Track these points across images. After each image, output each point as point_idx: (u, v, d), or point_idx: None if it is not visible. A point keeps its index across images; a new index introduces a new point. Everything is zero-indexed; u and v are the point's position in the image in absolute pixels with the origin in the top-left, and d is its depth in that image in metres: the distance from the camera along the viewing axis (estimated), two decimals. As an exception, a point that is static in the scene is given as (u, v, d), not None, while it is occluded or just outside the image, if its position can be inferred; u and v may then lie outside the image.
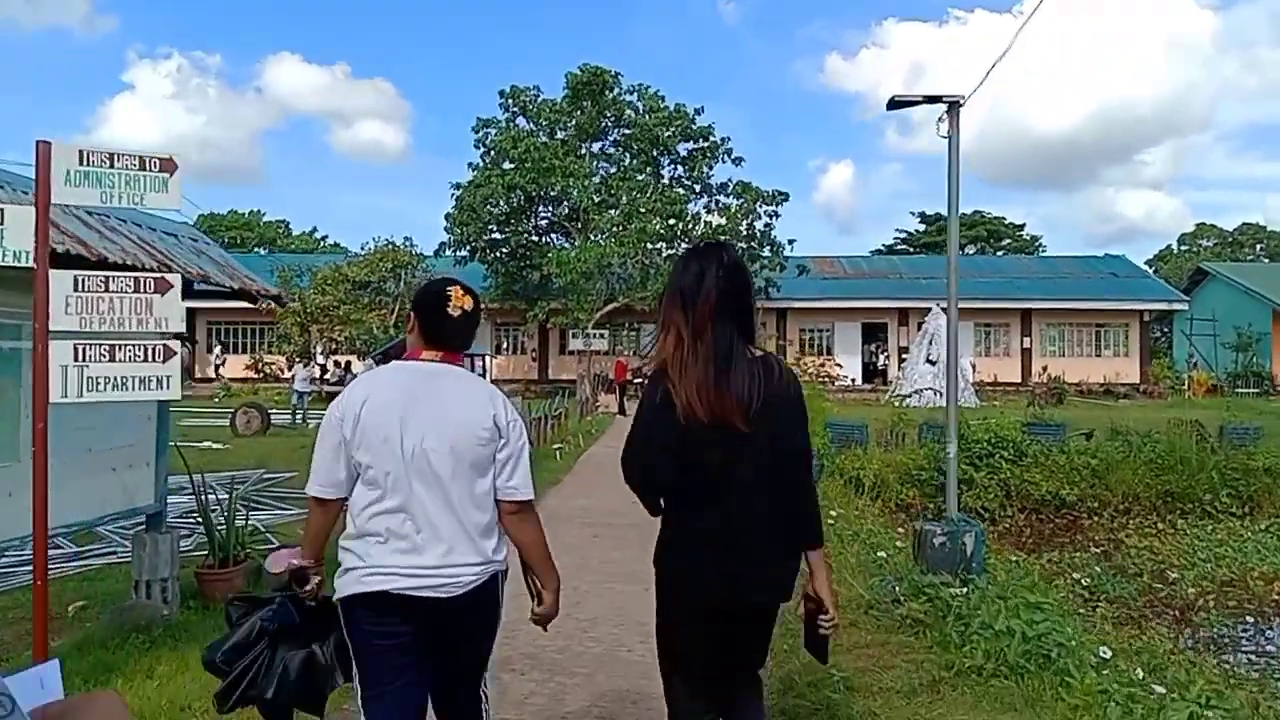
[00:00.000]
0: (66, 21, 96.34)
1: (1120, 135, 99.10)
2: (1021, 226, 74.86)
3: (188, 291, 5.69)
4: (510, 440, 2.69)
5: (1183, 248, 78.01)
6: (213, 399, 32.90)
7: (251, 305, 7.39)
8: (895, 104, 5.70)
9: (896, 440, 14.07)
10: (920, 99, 5.95)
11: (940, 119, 6.23)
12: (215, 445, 18.77)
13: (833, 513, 9.76)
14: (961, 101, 6.30)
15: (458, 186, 33.37)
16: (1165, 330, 45.26)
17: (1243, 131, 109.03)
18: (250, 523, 7.97)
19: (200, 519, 6.95)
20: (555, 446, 15.83)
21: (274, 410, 26.43)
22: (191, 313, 37.78)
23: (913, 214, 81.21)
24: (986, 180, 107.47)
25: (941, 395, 32.02)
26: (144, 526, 6.13)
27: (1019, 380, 37.21)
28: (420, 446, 2.57)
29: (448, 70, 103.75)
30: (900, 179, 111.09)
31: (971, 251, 63.22)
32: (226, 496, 7.33)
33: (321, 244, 56.60)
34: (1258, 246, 73.79)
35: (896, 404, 31.48)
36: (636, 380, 28.66)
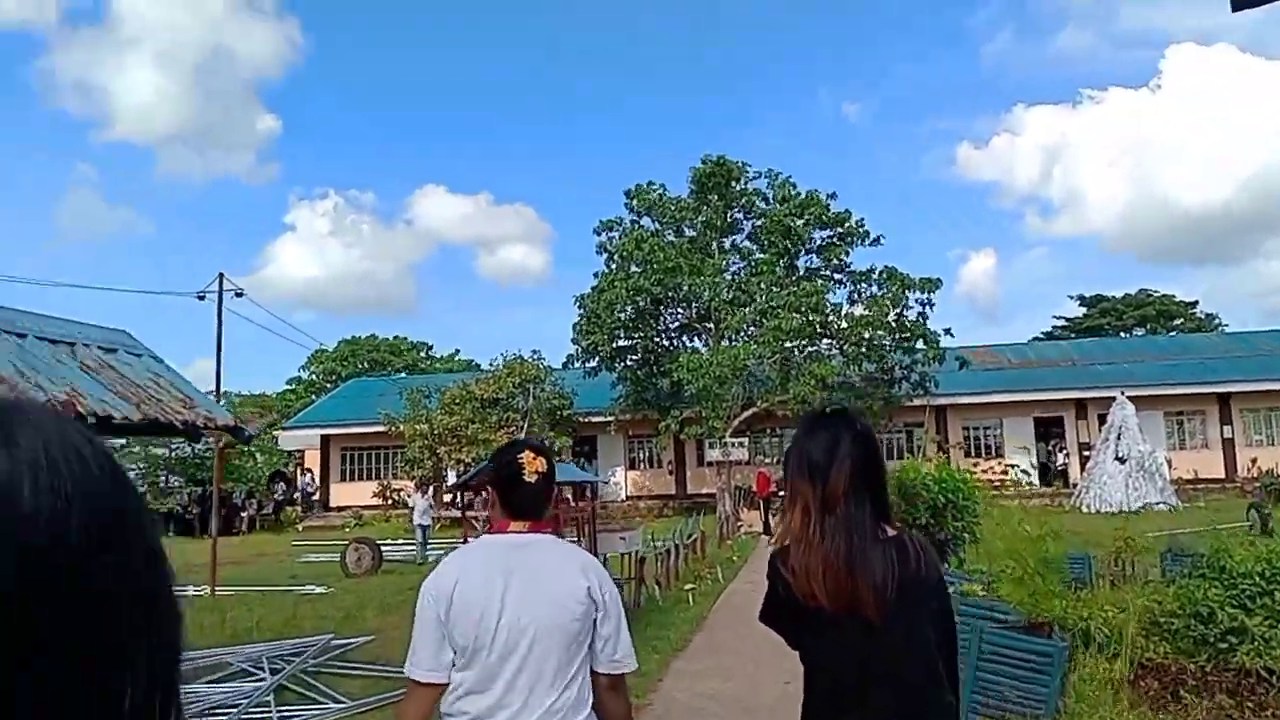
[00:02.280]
0: (233, 171, 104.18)
1: (1277, 202, 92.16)
2: (1194, 304, 68.76)
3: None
4: (610, 611, 2.64)
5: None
6: (344, 529, 31.95)
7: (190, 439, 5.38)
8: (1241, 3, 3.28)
9: (1123, 571, 10.96)
10: None
11: None
12: (317, 589, 17.14)
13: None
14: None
15: (582, 296, 31.94)
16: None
17: None
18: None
19: None
20: (688, 587, 13.29)
21: (395, 542, 25.00)
22: (325, 440, 37.43)
23: (1071, 297, 76.17)
24: (1141, 259, 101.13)
25: (1136, 498, 28.13)
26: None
27: (1222, 475, 32.53)
28: (516, 624, 2.51)
29: (583, 188, 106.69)
30: (1045, 264, 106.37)
31: (1140, 334, 57.94)
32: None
33: (463, 367, 56.54)
34: None
35: (1084, 511, 27.76)
36: (781, 493, 25.83)
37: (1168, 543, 12.04)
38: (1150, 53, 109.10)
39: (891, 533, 2.47)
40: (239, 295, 15.29)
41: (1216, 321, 63.63)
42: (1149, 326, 61.39)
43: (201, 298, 16.06)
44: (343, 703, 7.59)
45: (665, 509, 32.72)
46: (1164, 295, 67.79)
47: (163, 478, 33.00)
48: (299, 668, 8.41)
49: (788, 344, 29.53)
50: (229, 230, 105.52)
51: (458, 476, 31.99)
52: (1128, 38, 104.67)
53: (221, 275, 15.63)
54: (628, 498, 35.23)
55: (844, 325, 29.91)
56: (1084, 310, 68.12)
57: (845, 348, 30.10)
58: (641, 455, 36.54)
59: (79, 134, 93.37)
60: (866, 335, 29.49)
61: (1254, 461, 31.83)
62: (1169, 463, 30.04)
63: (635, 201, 32.79)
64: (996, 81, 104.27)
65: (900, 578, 2.36)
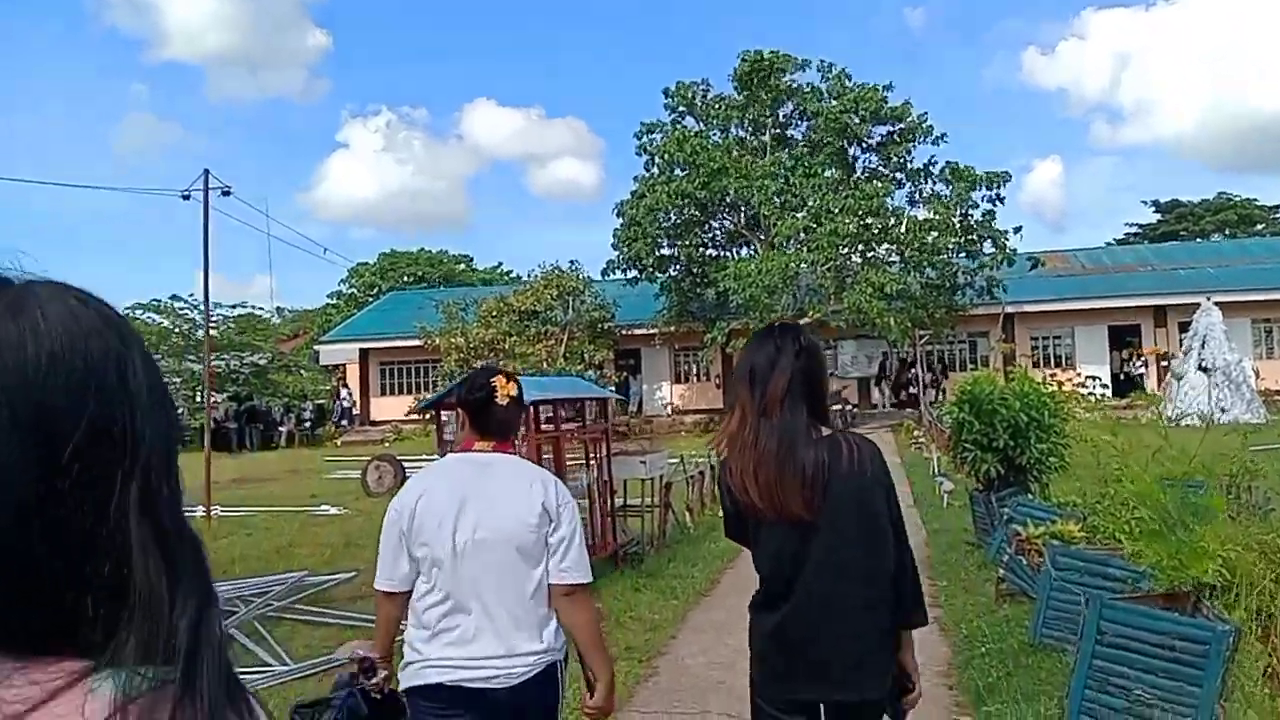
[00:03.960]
0: (285, 89, 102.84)
1: None
2: (1277, 209, 64.47)
3: None
4: (561, 523, 2.73)
5: None
6: (383, 444, 31.11)
7: None
8: None
9: (1238, 499, 9.19)
10: None
11: None
12: (332, 510, 16.07)
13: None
14: None
15: (622, 202, 30.03)
16: None
17: None
18: None
19: None
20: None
21: (429, 458, 23.91)
22: (364, 353, 36.48)
23: (1144, 203, 72.30)
24: (1214, 167, 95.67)
25: (1223, 412, 25.98)
26: None
27: (1316, 386, 30.05)
28: (473, 538, 2.63)
29: (636, 101, 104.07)
30: (1114, 173, 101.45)
31: (1219, 240, 54.35)
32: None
33: (504, 279, 55.16)
34: None
35: (1164, 425, 25.68)
36: (835, 407, 24.21)
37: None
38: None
39: (827, 434, 2.55)
40: (226, 194, 14.10)
41: (1304, 226, 59.54)
42: (1229, 232, 57.63)
43: (186, 197, 14.74)
44: (285, 665, 6.23)
45: (712, 423, 31.20)
46: (1245, 199, 63.73)
47: (198, 393, 32.39)
48: (251, 614, 7.09)
49: (843, 250, 27.48)
50: (282, 149, 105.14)
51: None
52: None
53: (207, 171, 14.29)
54: (673, 412, 33.80)
55: (904, 229, 27.66)
56: (1159, 216, 64.53)
57: (906, 253, 27.89)
58: (688, 368, 34.96)
59: (131, 52, 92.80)
60: (929, 239, 27.23)
61: (1351, 372, 29.32)
62: (1256, 373, 27.70)
63: (676, 100, 30.55)
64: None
65: (832, 474, 2.46)
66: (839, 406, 26.52)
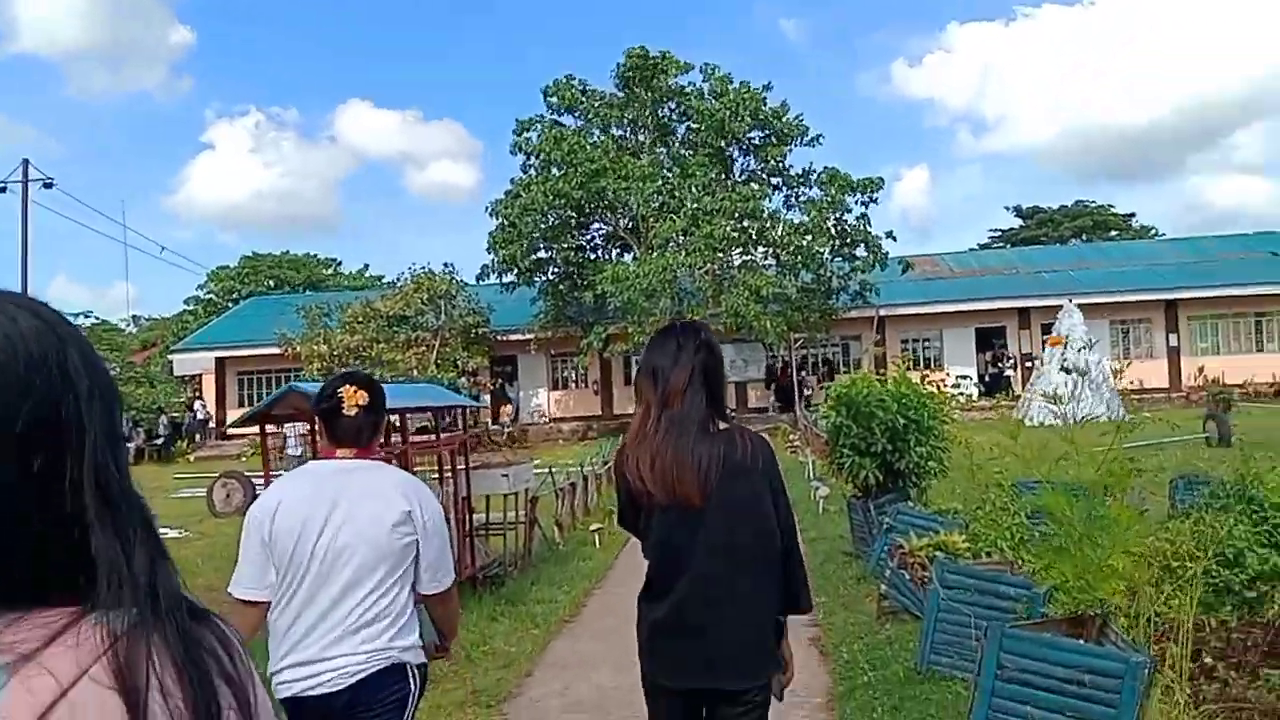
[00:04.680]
0: (146, 85, 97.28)
1: (1207, 120, 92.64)
2: (1131, 215, 68.03)
3: None
4: (430, 534, 2.73)
5: (1314, 226, 69.90)
6: (239, 459, 29.26)
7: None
8: None
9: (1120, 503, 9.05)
10: None
11: None
12: (172, 533, 14.72)
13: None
14: None
15: (497, 203, 29.09)
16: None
17: None
18: None
19: None
20: (594, 527, 11.06)
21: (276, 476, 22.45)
22: (221, 363, 34.44)
23: (1007, 209, 75.34)
24: (1072, 176, 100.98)
25: (1083, 410, 26.74)
26: None
27: (1167, 385, 31.40)
28: (333, 545, 2.60)
29: (515, 105, 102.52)
30: (978, 181, 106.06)
31: (1078, 244, 56.86)
32: None
33: (374, 284, 53.26)
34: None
35: (1028, 424, 26.31)
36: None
37: (1175, 462, 10.15)
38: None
39: (724, 427, 2.67)
40: (48, 186, 12.82)
41: (1154, 233, 62.86)
42: (1086, 238, 60.40)
43: (3, 189, 13.21)
44: None
45: (590, 431, 30.58)
46: (1101, 206, 67.09)
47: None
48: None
49: (720, 253, 27.25)
50: (143, 150, 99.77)
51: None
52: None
53: (26, 161, 12.89)
54: (551, 420, 32.98)
55: (781, 233, 27.61)
56: (1020, 222, 67.27)
57: (782, 256, 27.84)
58: (566, 374, 34.22)
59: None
60: (804, 243, 27.22)
61: (1200, 370, 30.72)
62: (1115, 373, 28.70)
63: (556, 99, 29.81)
64: None
65: (725, 464, 2.55)
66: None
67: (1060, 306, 27.59)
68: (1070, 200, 66.87)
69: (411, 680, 2.67)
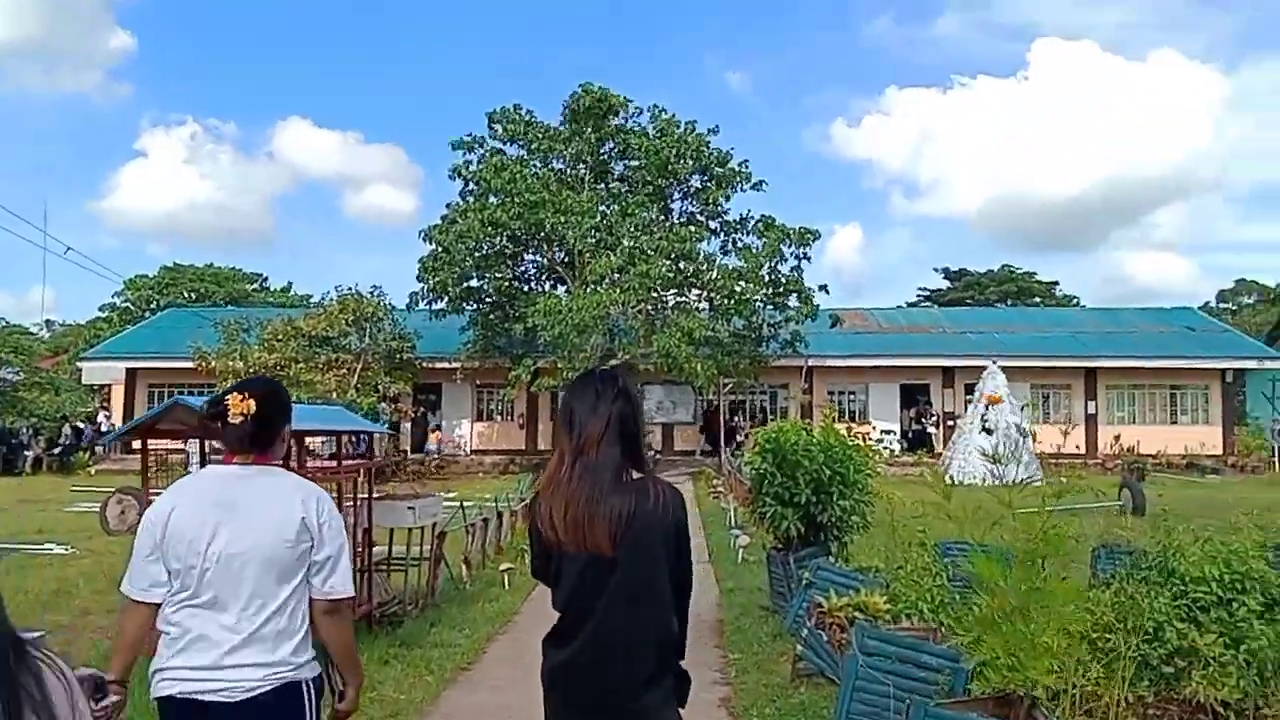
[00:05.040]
0: (81, 88, 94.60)
1: (1129, 197, 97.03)
2: (1054, 284, 70.26)
3: None
4: (325, 540, 2.71)
5: (1223, 305, 72.95)
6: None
7: None
8: None
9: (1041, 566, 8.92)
10: None
11: None
12: (58, 549, 13.84)
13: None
14: None
15: (431, 228, 28.55)
16: (1241, 392, 39.98)
17: (1253, 193, 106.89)
18: None
19: None
20: (504, 567, 10.58)
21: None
22: (132, 374, 33.09)
23: (936, 270, 77.03)
24: (1000, 244, 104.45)
25: (1001, 471, 27.02)
26: None
27: (1084, 451, 32.02)
28: (225, 550, 2.60)
29: (457, 132, 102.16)
30: (909, 243, 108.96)
31: (1003, 308, 58.32)
32: None
33: (301, 303, 51.96)
34: (1304, 302, 68.37)
35: (947, 483, 26.48)
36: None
37: (1096, 529, 10.07)
38: (1021, 45, 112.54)
39: (638, 477, 2.64)
40: None
41: (1075, 302, 64.85)
42: (1010, 303, 62.11)
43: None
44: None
45: (512, 465, 30.00)
46: (1026, 273, 69.25)
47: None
48: None
49: (655, 293, 27.06)
50: (71, 154, 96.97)
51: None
52: (1000, 28, 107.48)
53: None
54: (473, 451, 32.29)
55: (715, 276, 27.55)
56: (947, 283, 68.95)
57: (716, 300, 27.78)
58: (491, 406, 33.58)
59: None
60: (738, 288, 27.20)
61: (1116, 439, 31.40)
62: (1033, 436, 29.17)
63: (500, 128, 29.48)
64: (874, 62, 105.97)
65: (637, 516, 2.52)
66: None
67: (984, 367, 27.96)
68: (996, 265, 68.88)
69: (307, 696, 2.65)
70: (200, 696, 2.53)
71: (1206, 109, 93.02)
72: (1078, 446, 32.09)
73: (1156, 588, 7.28)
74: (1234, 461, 30.58)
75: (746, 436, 28.02)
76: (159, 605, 2.64)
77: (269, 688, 2.56)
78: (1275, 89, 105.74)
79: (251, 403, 2.72)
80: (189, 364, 29.43)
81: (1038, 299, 65.26)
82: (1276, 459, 30.32)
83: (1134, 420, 32.94)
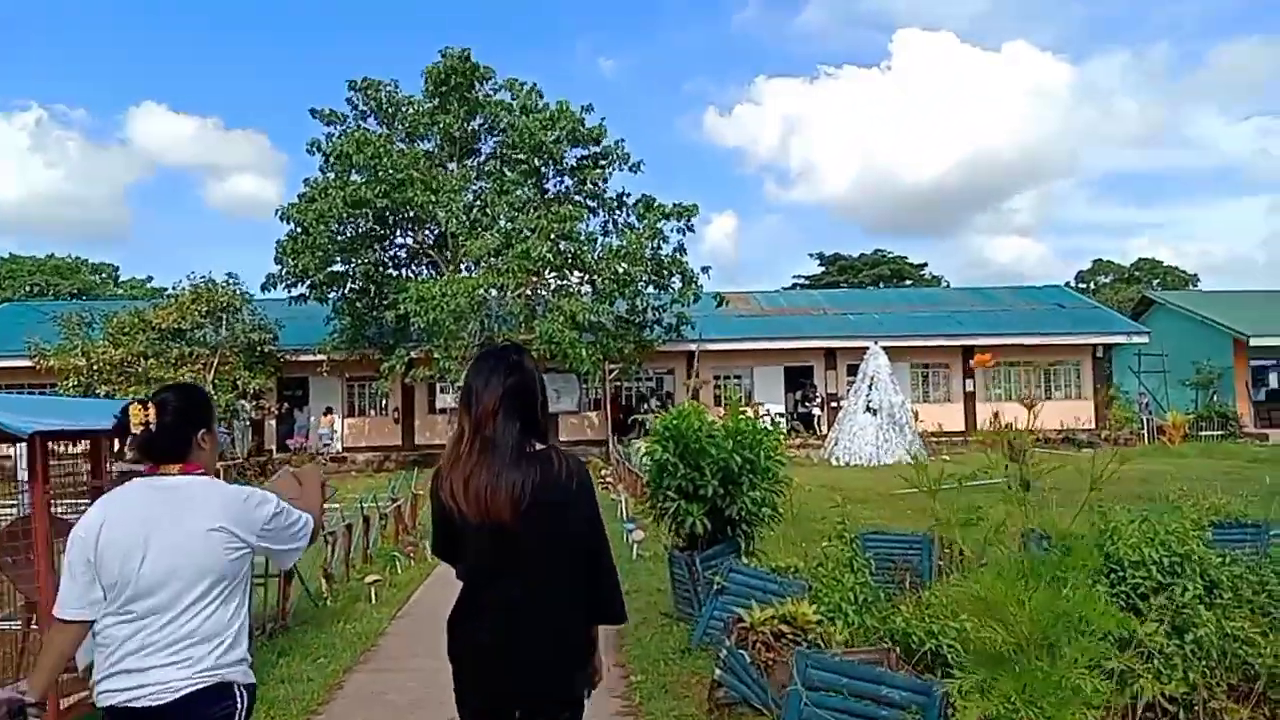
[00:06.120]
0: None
1: (988, 183, 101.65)
2: (923, 266, 72.25)
3: None
4: (269, 535, 2.72)
5: (1081, 285, 76.46)
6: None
7: None
8: None
9: (958, 556, 8.24)
10: None
11: None
12: None
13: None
14: None
15: (289, 207, 26.58)
16: (1107, 367, 41.44)
17: (1103, 178, 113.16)
18: None
19: None
20: (370, 580, 9.32)
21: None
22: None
23: (810, 256, 78.33)
24: (867, 229, 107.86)
25: (886, 451, 27.02)
26: None
27: (963, 428, 32.40)
28: (156, 560, 2.60)
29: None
30: (782, 229, 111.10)
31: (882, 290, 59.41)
32: None
33: (155, 296, 48.45)
34: (1154, 281, 72.25)
35: (833, 463, 26.31)
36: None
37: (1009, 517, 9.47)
38: (883, 35, 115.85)
39: (540, 449, 2.66)
40: None
41: (944, 283, 66.68)
42: (882, 285, 63.52)
43: None
44: None
45: (387, 462, 28.37)
46: (898, 256, 71.02)
47: None
48: None
49: (535, 275, 25.87)
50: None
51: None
52: (864, 18, 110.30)
53: None
54: (345, 449, 30.47)
55: (598, 257, 26.51)
56: (822, 268, 70.13)
57: (599, 282, 26.74)
58: (363, 400, 31.75)
59: None
60: (621, 270, 26.24)
61: (995, 415, 31.79)
62: (915, 415, 29.29)
63: (361, 96, 27.65)
64: (743, 51, 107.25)
65: (540, 486, 2.55)
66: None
67: (867, 349, 27.88)
68: (869, 250, 70.53)
69: (239, 699, 2.65)
70: (134, 703, 2.55)
71: (1057, 98, 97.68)
72: (958, 424, 32.48)
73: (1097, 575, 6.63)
74: (1107, 435, 31.40)
75: (653, 424, 27.16)
76: (92, 622, 2.61)
77: (200, 686, 2.56)
78: (1120, 79, 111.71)
79: (151, 411, 2.70)
80: (26, 362, 26.84)
81: (909, 281, 66.95)
82: (1146, 431, 31.29)
83: (1010, 397, 33.49)
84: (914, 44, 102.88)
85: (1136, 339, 33.33)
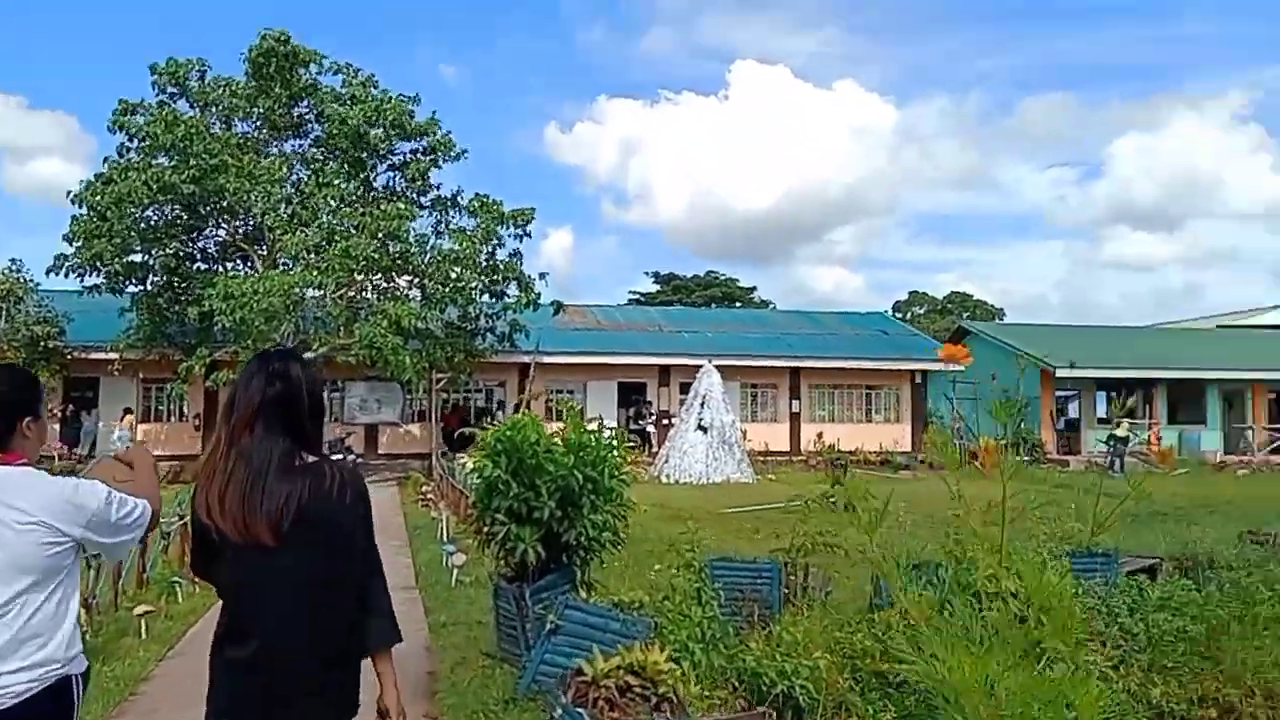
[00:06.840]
0: None
1: (813, 214, 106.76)
2: (753, 289, 74.12)
3: None
4: (95, 528, 2.54)
5: (898, 315, 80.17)
6: None
7: None
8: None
9: (804, 584, 7.73)
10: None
11: None
12: None
13: None
14: None
15: (85, 185, 23.99)
16: (924, 393, 43.17)
17: (917, 217, 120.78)
18: None
19: None
20: (140, 610, 7.93)
21: None
22: None
23: (646, 274, 79.02)
24: (698, 253, 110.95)
25: (716, 469, 26.91)
26: None
27: (789, 448, 32.88)
28: None
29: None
30: (617, 249, 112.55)
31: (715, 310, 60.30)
32: None
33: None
34: (964, 314, 76.52)
35: (663, 481, 25.97)
36: (335, 456, 20.73)
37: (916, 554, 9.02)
38: (722, 65, 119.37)
39: (311, 460, 2.50)
40: None
41: (773, 307, 68.34)
42: (714, 306, 64.60)
43: None
44: None
45: (185, 472, 25.93)
46: (729, 278, 72.72)
47: None
48: None
49: (358, 276, 24.29)
50: None
51: None
52: (704, 48, 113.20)
53: None
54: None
55: (427, 260, 25.18)
56: (657, 287, 70.91)
57: (428, 286, 25.38)
58: (160, 404, 29.04)
59: None
60: (454, 274, 25.01)
61: (819, 435, 32.39)
62: (744, 434, 29.40)
63: (167, 79, 25.28)
64: (586, 70, 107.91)
65: (309, 500, 2.40)
66: (339, 456, 23.05)
67: (700, 366, 27.77)
68: (702, 271, 72.04)
69: (75, 692, 2.55)
70: None
71: (880, 137, 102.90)
72: (784, 444, 32.88)
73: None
74: (923, 458, 32.48)
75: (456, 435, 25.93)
76: None
77: (37, 689, 2.43)
78: (938, 123, 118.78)
79: None
80: None
81: (740, 303, 68.46)
82: (960, 456, 32.58)
83: (834, 418, 34.23)
84: (751, 76, 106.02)
85: (954, 366, 34.71)
